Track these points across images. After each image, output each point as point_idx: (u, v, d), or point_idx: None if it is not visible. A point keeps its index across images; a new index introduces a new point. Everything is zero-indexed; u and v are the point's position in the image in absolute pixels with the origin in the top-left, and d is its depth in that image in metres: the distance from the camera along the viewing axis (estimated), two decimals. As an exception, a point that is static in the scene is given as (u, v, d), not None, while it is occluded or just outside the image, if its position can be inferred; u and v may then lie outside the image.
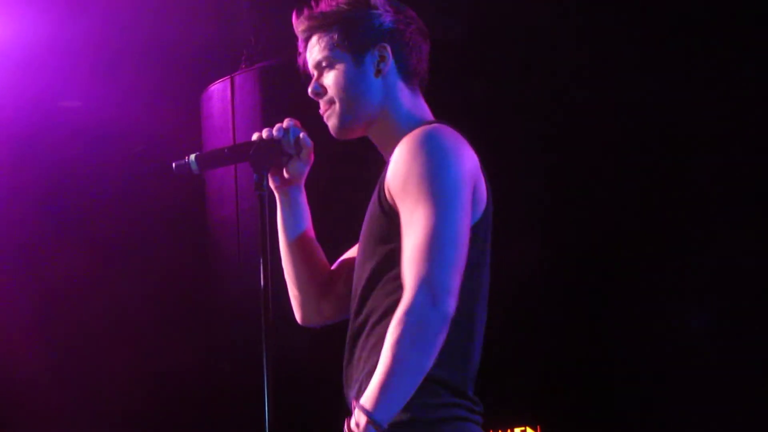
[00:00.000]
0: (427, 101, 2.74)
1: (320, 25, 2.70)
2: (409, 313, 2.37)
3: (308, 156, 2.77)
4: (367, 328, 2.57)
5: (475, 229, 2.54)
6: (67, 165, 5.93)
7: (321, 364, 4.67)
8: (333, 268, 2.86)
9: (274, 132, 2.75)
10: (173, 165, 2.76)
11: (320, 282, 2.83)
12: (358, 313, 2.59)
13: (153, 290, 5.83)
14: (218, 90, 5.21)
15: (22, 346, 5.79)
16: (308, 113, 4.82)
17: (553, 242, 5.18)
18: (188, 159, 2.76)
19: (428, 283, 2.38)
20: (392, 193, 2.53)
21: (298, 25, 2.74)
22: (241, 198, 5.07)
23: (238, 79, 5.13)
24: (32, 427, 5.83)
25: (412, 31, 2.71)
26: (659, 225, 5.11)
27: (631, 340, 5.13)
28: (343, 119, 2.71)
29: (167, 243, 5.84)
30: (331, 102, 2.71)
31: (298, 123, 2.77)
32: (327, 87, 2.71)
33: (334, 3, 2.71)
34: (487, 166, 2.62)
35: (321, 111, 2.74)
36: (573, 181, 5.19)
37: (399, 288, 2.44)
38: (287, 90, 5.10)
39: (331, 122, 2.72)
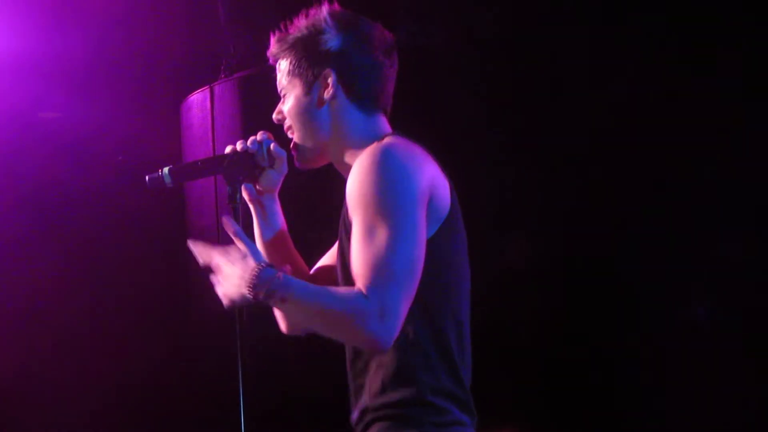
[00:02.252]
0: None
1: (280, 50, 2.72)
2: (358, 307, 2.37)
3: (281, 166, 2.77)
4: (365, 355, 2.59)
5: (437, 238, 2.53)
6: (46, 175, 5.91)
7: (299, 370, 4.68)
8: (312, 273, 2.87)
9: (248, 144, 2.75)
10: (146, 178, 2.76)
11: None
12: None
13: (132, 299, 5.82)
14: (198, 100, 5.20)
15: (1, 350, 5.77)
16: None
17: (543, 240, 5.18)
18: (161, 172, 2.76)
19: (390, 316, 2.37)
20: (349, 212, 2.52)
21: (269, 49, 2.76)
22: (222, 207, 5.06)
23: (217, 88, 5.12)
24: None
25: (364, 50, 2.68)
26: (658, 225, 5.10)
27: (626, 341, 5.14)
28: (300, 149, 2.72)
29: (147, 252, 5.82)
30: (291, 130, 2.74)
31: (270, 135, 2.77)
32: (286, 114, 2.73)
33: (294, 26, 2.72)
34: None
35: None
36: (570, 178, 5.19)
37: None
38: (267, 99, 5.10)
39: (295, 153, 2.74)
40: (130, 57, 5.78)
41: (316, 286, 2.46)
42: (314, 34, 2.68)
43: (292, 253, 2.86)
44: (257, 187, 2.79)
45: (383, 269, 2.39)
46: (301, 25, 2.71)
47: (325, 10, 2.70)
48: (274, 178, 2.78)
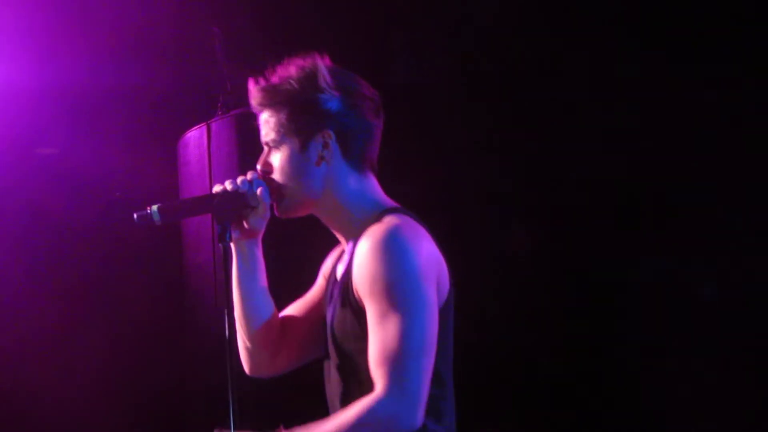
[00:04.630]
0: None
1: (270, 102, 2.72)
2: (380, 408, 2.44)
3: (265, 211, 2.76)
4: None
5: (441, 313, 2.59)
6: (43, 211, 5.92)
7: (289, 407, 4.68)
8: (281, 317, 2.87)
9: (239, 183, 2.75)
10: (135, 216, 2.75)
11: (273, 335, 2.84)
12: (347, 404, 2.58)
13: (128, 334, 5.82)
14: (195, 137, 5.22)
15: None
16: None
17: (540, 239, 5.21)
18: (150, 210, 2.75)
19: (403, 394, 2.44)
20: (360, 295, 2.55)
21: (251, 96, 2.76)
22: (219, 244, 5.07)
23: (214, 126, 5.14)
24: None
25: (360, 111, 2.70)
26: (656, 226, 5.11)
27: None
28: (286, 202, 2.73)
29: (143, 288, 5.83)
30: (276, 182, 2.73)
31: (261, 174, 2.76)
32: (273, 168, 2.73)
33: (285, 77, 2.71)
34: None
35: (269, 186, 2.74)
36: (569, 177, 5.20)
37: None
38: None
39: (276, 202, 2.74)
40: (127, 93, 5.80)
41: (329, 425, 2.49)
42: (312, 91, 2.68)
43: (268, 299, 2.85)
44: (246, 226, 2.78)
45: (400, 355, 2.45)
46: (292, 77, 2.70)
47: (320, 66, 2.69)
48: (259, 221, 2.78)
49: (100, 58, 5.73)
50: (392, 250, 2.52)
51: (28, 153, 5.95)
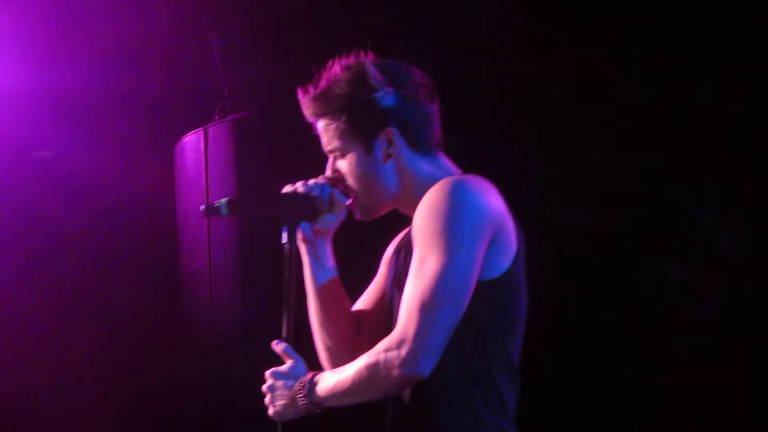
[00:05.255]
0: None
1: (325, 111, 2.68)
2: (385, 359, 2.45)
3: (341, 212, 2.75)
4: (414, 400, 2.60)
5: (504, 279, 2.56)
6: (39, 214, 5.92)
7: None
8: (352, 312, 2.85)
9: (311, 186, 2.73)
10: (202, 208, 2.75)
11: (351, 331, 2.82)
12: None
13: (124, 340, 5.82)
14: (191, 141, 5.21)
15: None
16: (281, 165, 4.86)
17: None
18: (219, 203, 2.74)
19: (415, 342, 2.43)
20: (413, 242, 2.55)
21: (304, 106, 2.71)
22: (214, 249, 5.07)
23: (211, 130, 5.14)
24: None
25: (417, 101, 2.67)
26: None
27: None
28: (367, 206, 2.72)
29: (139, 293, 5.82)
30: (352, 188, 2.71)
31: (332, 179, 2.73)
32: (344, 174, 2.71)
33: (334, 82, 2.67)
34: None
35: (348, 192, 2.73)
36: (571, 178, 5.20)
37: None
38: (261, 142, 5.13)
39: (356, 208, 2.72)
40: (124, 96, 5.79)
41: (343, 377, 2.55)
42: (365, 92, 2.65)
43: (343, 296, 2.84)
44: (314, 227, 2.77)
45: (421, 303, 2.44)
46: (341, 80, 2.67)
47: (367, 63, 2.66)
48: (332, 221, 2.77)
49: (97, 62, 5.72)
50: (447, 198, 2.51)
51: (25, 156, 5.94)
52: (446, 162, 2.72)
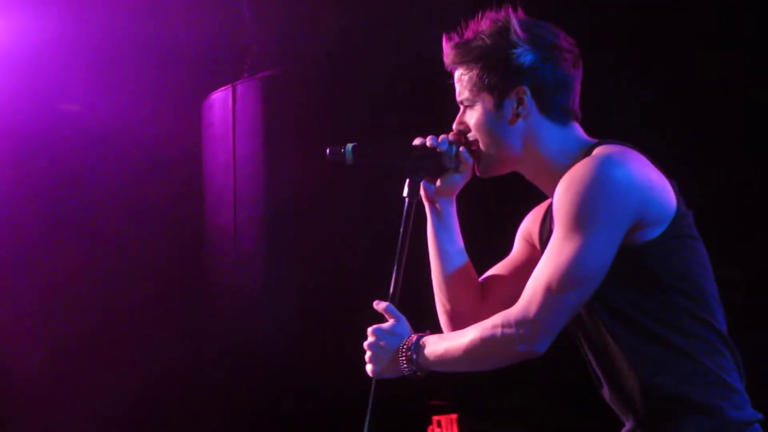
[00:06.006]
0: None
1: (462, 60, 2.63)
2: (503, 334, 2.47)
3: (467, 171, 2.70)
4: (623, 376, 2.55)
5: (656, 244, 2.48)
6: (66, 168, 5.92)
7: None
8: (481, 280, 2.81)
9: (439, 141, 2.68)
10: (327, 151, 2.70)
11: (473, 296, 2.79)
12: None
13: (148, 294, 5.82)
14: (220, 98, 5.20)
15: (19, 344, 5.79)
16: (309, 124, 4.82)
17: None
18: (344, 148, 2.69)
19: (535, 322, 2.44)
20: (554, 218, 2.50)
21: (446, 54, 2.66)
22: (239, 206, 5.06)
23: (240, 87, 5.12)
24: (27, 427, 5.82)
25: (556, 63, 2.60)
26: None
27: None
28: (486, 161, 2.66)
29: (164, 248, 5.82)
30: (475, 141, 2.66)
31: (462, 137, 2.68)
32: (470, 126, 2.65)
33: (477, 33, 2.61)
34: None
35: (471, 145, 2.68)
36: None
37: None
38: (289, 100, 5.10)
39: (476, 161, 2.67)
40: (153, 53, 5.77)
41: (454, 343, 2.55)
42: (505, 47, 2.58)
43: (465, 258, 2.79)
44: (437, 185, 2.73)
45: (555, 291, 2.44)
46: (484, 32, 2.61)
47: (513, 19, 2.60)
48: (457, 181, 2.71)
49: (126, 17, 5.70)
50: (593, 178, 2.45)
51: (51, 109, 5.94)
52: (579, 133, 2.63)
